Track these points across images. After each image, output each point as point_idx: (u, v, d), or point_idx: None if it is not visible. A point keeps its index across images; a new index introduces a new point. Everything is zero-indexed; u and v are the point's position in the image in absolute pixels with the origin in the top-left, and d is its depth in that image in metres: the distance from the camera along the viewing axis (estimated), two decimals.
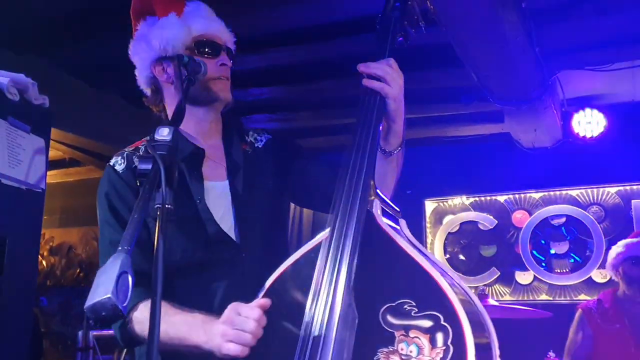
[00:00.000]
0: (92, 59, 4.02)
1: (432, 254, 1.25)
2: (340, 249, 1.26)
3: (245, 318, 1.25)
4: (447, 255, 5.45)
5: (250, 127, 1.73)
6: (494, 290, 5.18)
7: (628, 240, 3.55)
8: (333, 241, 1.27)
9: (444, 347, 1.14)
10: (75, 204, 6.62)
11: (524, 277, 5.13)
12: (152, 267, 1.03)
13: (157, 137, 1.14)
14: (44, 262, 6.66)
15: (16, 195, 2.13)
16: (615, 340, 3.28)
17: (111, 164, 1.54)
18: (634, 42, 3.53)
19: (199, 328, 1.30)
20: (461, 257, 5.42)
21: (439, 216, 5.58)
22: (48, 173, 2.30)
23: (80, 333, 3.82)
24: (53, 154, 5.40)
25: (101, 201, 1.51)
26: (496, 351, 1.20)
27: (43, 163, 2.20)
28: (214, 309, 1.40)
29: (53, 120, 2.31)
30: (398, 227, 1.34)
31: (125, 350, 4.36)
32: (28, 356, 2.25)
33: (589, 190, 5.03)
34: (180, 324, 1.32)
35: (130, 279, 0.94)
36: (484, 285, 5.20)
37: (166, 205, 1.08)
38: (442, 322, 1.15)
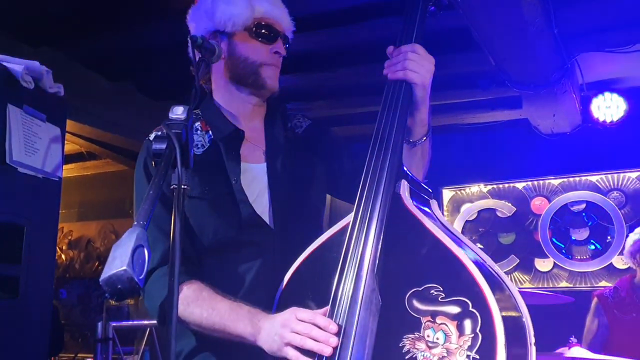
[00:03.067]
0: (108, 51, 4.02)
1: (464, 236, 1.22)
2: (365, 232, 1.24)
3: (323, 332, 1.20)
4: None
5: (297, 114, 1.71)
6: (513, 278, 5.12)
7: (635, 233, 3.49)
8: (358, 224, 1.25)
9: (472, 335, 1.11)
10: (93, 197, 6.67)
11: (543, 264, 5.07)
12: (171, 246, 1.03)
13: (171, 115, 1.13)
14: (62, 256, 6.72)
15: (33, 184, 2.12)
16: (630, 329, 3.23)
17: (150, 137, 1.52)
18: None
19: (246, 319, 1.29)
20: (480, 245, 5.37)
21: (456, 204, 5.53)
22: (65, 167, 2.30)
23: (99, 324, 3.84)
24: (70, 147, 5.44)
25: (138, 171, 1.50)
26: (530, 339, 1.16)
27: (59, 152, 2.19)
28: (243, 291, 1.41)
29: (69, 111, 2.30)
30: (427, 210, 1.31)
31: (145, 340, 4.39)
32: (48, 345, 2.26)
33: (609, 176, 4.94)
34: (225, 311, 1.32)
35: (146, 252, 0.94)
36: (505, 272, 5.13)
37: (182, 186, 1.06)
38: (471, 309, 1.12)
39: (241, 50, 1.50)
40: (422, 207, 1.29)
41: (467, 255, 1.17)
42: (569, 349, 2.76)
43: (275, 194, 1.49)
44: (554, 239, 5.06)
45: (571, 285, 4.93)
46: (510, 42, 3.17)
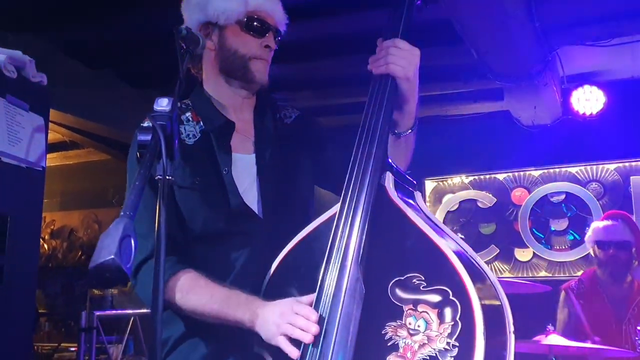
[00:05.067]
0: (90, 40, 3.99)
1: (447, 227, 1.25)
2: (350, 222, 1.26)
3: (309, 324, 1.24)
4: None
5: (286, 105, 1.72)
6: (493, 268, 5.20)
7: (595, 224, 3.54)
8: (344, 215, 1.28)
9: (452, 323, 1.14)
10: (76, 186, 6.62)
11: (523, 254, 5.16)
12: (156, 235, 1.06)
13: (156, 107, 1.14)
14: (45, 246, 6.67)
15: (16, 174, 2.11)
16: (596, 320, 3.29)
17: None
18: (633, 17, 3.51)
19: (244, 306, 1.33)
20: (460, 235, 5.41)
21: (438, 195, 5.59)
22: (48, 156, 2.29)
23: (83, 314, 3.84)
24: (53, 136, 5.39)
25: (130, 161, 1.52)
26: (510, 327, 1.19)
27: (43, 141, 2.18)
28: (232, 279, 1.43)
29: (52, 100, 2.29)
30: (411, 201, 1.34)
31: (129, 330, 4.40)
32: (32, 336, 2.26)
33: (588, 167, 5.03)
34: (223, 299, 1.35)
35: (133, 242, 0.96)
36: (485, 262, 5.22)
37: (167, 177, 1.08)
38: (451, 297, 1.15)
39: (231, 43, 1.52)
40: (406, 198, 1.32)
41: (449, 245, 1.20)
42: (546, 336, 2.84)
43: (264, 185, 1.51)
44: (533, 229, 5.15)
45: (550, 275, 5.02)
46: (492, 35, 3.21)
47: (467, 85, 4.40)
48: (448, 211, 5.51)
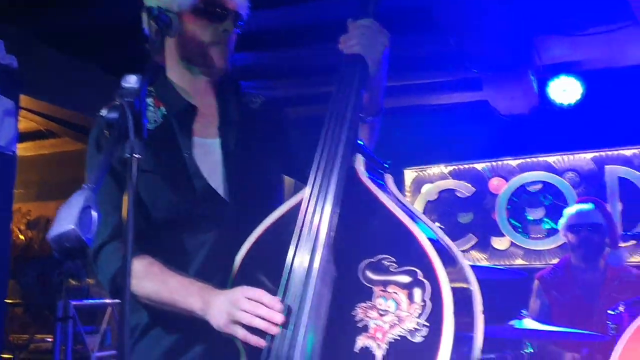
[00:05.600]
0: (64, 26, 3.92)
1: (418, 210, 1.26)
2: (322, 205, 1.26)
3: (268, 311, 1.23)
4: None
5: (250, 92, 1.70)
6: (471, 257, 5.25)
7: (567, 210, 3.58)
8: (314, 198, 1.27)
9: (422, 303, 1.14)
10: (52, 176, 6.54)
11: (500, 243, 5.22)
12: (127, 216, 1.05)
13: (124, 84, 1.12)
14: (21, 236, 6.59)
15: None
16: (569, 308, 3.34)
17: (101, 113, 1.50)
18: (610, 7, 3.55)
19: (196, 294, 1.32)
20: (439, 224, 5.47)
21: (418, 185, 5.62)
22: (23, 145, 2.26)
23: (60, 303, 3.80)
24: (28, 125, 5.30)
25: (90, 145, 1.50)
26: (478, 307, 1.21)
27: (13, 125, 2.15)
28: (198, 265, 1.42)
29: (24, 86, 2.26)
30: (382, 183, 1.34)
31: (106, 319, 4.36)
32: (3, 326, 2.24)
33: (564, 157, 5.09)
34: (176, 286, 1.34)
35: (94, 213, 0.94)
36: (462, 251, 5.27)
37: (135, 156, 1.06)
38: (421, 278, 1.16)
39: (189, 29, 1.48)
40: (377, 180, 1.32)
41: (419, 227, 1.21)
42: (520, 320, 2.87)
43: (230, 169, 1.49)
44: (510, 219, 5.20)
45: (527, 263, 5.08)
46: (469, 24, 3.22)
47: (446, 75, 4.42)
48: (428, 201, 5.55)
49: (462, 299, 1.17)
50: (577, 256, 3.44)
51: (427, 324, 1.13)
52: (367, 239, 1.26)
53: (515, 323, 2.86)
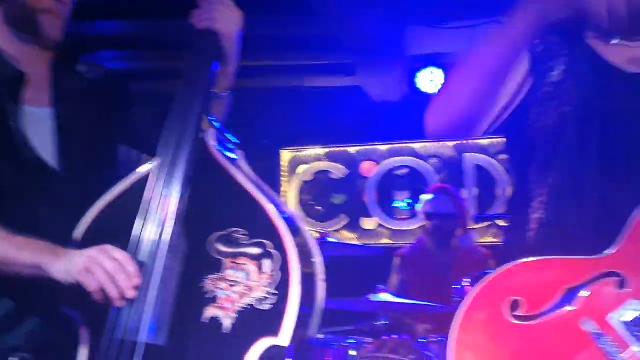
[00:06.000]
0: None
1: (278, 195, 1.32)
2: (171, 178, 1.27)
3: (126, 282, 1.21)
4: (301, 204, 5.65)
5: (89, 62, 1.64)
6: (342, 236, 5.46)
7: (424, 197, 3.81)
8: (163, 171, 1.28)
9: (271, 273, 1.21)
10: None
11: (369, 224, 5.48)
12: None
13: None
14: None
15: None
16: (424, 284, 3.60)
17: None
18: (474, 1, 3.78)
19: (46, 249, 1.28)
20: (314, 205, 5.64)
21: (294, 165, 5.73)
22: None
23: None
24: None
25: None
26: (320, 276, 1.30)
27: None
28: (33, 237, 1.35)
29: None
30: (234, 158, 1.37)
31: None
32: None
33: (429, 144, 5.43)
34: (22, 242, 1.29)
35: None
36: (334, 230, 5.47)
37: None
38: (270, 250, 1.22)
39: None
40: (228, 155, 1.35)
41: (269, 202, 1.26)
42: (376, 294, 3.06)
43: (63, 139, 1.44)
44: (379, 201, 5.48)
45: (393, 242, 5.37)
46: (343, 10, 3.33)
47: (322, 58, 4.52)
48: (304, 181, 5.68)
49: (307, 269, 1.24)
50: (430, 240, 3.71)
51: (276, 292, 1.20)
52: (218, 213, 1.29)
53: (372, 297, 3.04)
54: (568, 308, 1.22)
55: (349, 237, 5.46)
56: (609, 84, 1.37)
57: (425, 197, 3.78)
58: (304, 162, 5.70)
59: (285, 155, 5.74)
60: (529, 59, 1.34)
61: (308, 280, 1.24)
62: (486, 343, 1.23)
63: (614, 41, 1.36)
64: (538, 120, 1.37)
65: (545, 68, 1.36)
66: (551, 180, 1.33)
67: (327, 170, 5.63)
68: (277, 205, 1.28)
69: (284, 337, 1.18)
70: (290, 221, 1.27)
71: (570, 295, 1.22)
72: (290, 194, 5.66)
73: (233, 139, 1.40)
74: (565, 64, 1.37)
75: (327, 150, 5.66)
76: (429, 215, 3.66)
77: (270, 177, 5.64)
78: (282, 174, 5.72)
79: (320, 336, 3.14)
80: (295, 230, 1.26)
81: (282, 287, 1.19)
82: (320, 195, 5.63)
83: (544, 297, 1.23)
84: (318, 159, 5.68)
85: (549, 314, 1.22)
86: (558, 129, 1.35)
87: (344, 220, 5.51)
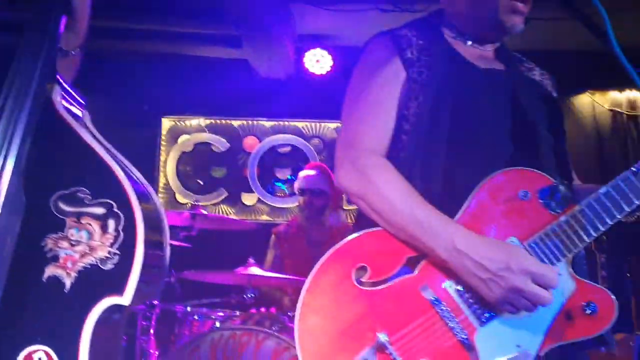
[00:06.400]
0: None
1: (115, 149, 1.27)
2: (11, 133, 1.20)
3: None
4: (180, 175, 5.51)
5: None
6: (220, 210, 5.41)
7: (300, 173, 3.89)
8: (2, 125, 1.20)
9: (114, 233, 1.18)
10: None
11: (248, 199, 5.47)
12: None
13: None
14: None
15: None
16: (297, 260, 3.70)
17: None
18: None
19: None
20: (193, 176, 5.54)
21: (174, 135, 5.57)
22: None
23: None
24: None
25: None
26: (166, 240, 1.28)
27: None
28: None
29: None
30: (80, 117, 1.32)
31: None
32: None
33: (312, 124, 5.51)
34: None
35: None
36: (212, 204, 5.41)
37: None
38: (115, 210, 1.19)
39: None
40: (74, 114, 1.30)
41: (116, 162, 1.22)
42: (246, 268, 3.07)
43: None
44: (260, 176, 5.48)
45: (271, 219, 5.41)
46: None
47: (207, 27, 4.42)
48: (183, 152, 5.55)
49: (152, 230, 1.22)
50: (303, 216, 3.78)
51: (119, 253, 1.17)
52: (62, 171, 1.24)
53: (241, 270, 3.04)
54: (409, 276, 1.30)
55: (228, 212, 5.42)
56: (464, 76, 1.48)
57: (301, 173, 3.83)
58: (185, 132, 5.56)
59: (166, 124, 5.57)
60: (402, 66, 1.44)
61: (153, 245, 1.22)
62: (331, 306, 1.28)
63: (469, 43, 1.56)
64: (402, 109, 1.45)
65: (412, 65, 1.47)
66: (402, 154, 1.41)
67: (208, 142, 5.54)
68: (124, 167, 1.24)
69: (127, 296, 1.15)
70: (136, 183, 1.24)
71: (411, 264, 1.31)
72: (169, 163, 5.51)
73: (80, 99, 1.33)
74: (429, 56, 1.47)
75: (209, 121, 5.56)
76: (302, 191, 3.72)
77: (150, 145, 5.45)
78: (161, 142, 5.54)
79: (188, 309, 3.12)
80: (142, 194, 1.23)
81: (125, 248, 1.17)
82: (200, 167, 5.53)
83: (388, 265, 1.31)
84: (200, 129, 5.57)
85: (392, 280, 1.29)
86: (415, 117, 1.43)
87: (223, 194, 5.46)
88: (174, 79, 5.24)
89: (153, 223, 1.23)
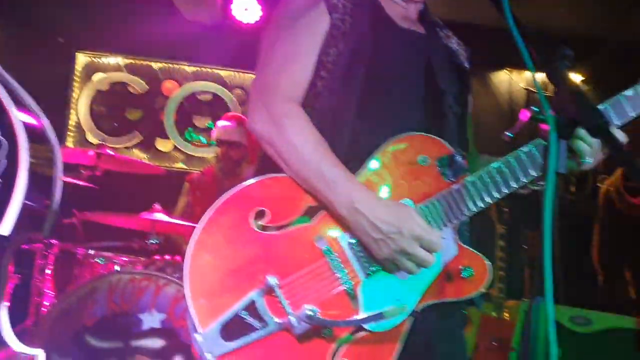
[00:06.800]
0: None
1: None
2: None
3: None
4: (93, 114, 5.26)
5: None
6: (133, 155, 5.23)
7: (218, 123, 3.82)
8: None
9: None
10: None
11: (164, 145, 5.32)
12: None
13: None
14: None
15: None
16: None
17: None
18: None
19: None
20: (107, 117, 5.31)
21: (89, 72, 5.30)
22: None
23: None
24: None
25: None
26: (59, 174, 1.22)
27: None
28: None
29: None
30: None
31: None
32: None
33: (236, 73, 5.38)
34: None
35: None
36: (125, 147, 5.22)
37: None
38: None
39: None
40: None
41: (3, 88, 1.14)
42: (151, 213, 3.01)
43: None
44: (177, 123, 5.32)
45: (187, 168, 5.28)
46: None
47: None
48: (98, 90, 5.29)
49: (40, 163, 1.16)
50: (218, 167, 3.74)
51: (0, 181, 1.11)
52: None
53: (146, 214, 2.98)
54: (306, 224, 1.31)
55: (141, 157, 5.24)
56: (383, 33, 1.48)
57: (219, 123, 3.76)
58: (101, 69, 5.30)
59: (81, 59, 5.28)
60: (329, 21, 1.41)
61: (42, 176, 1.16)
62: (225, 246, 1.27)
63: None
64: (322, 54, 1.43)
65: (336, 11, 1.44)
66: (317, 104, 1.40)
67: (125, 82, 5.31)
68: (15, 96, 1.16)
69: (6, 226, 1.10)
70: (28, 112, 1.16)
71: (309, 213, 1.31)
72: (82, 101, 5.25)
73: None
74: (354, 5, 1.45)
75: (128, 61, 5.32)
76: (219, 142, 3.66)
77: (62, 79, 5.14)
78: (75, 78, 5.25)
79: (91, 251, 3.03)
80: (31, 124, 1.16)
81: (6, 176, 1.10)
82: (114, 108, 5.30)
83: (287, 211, 1.31)
84: (117, 68, 5.31)
85: (289, 227, 1.30)
86: (332, 64, 1.41)
87: (137, 138, 5.28)
88: (93, 11, 4.95)
89: (41, 155, 1.17)
